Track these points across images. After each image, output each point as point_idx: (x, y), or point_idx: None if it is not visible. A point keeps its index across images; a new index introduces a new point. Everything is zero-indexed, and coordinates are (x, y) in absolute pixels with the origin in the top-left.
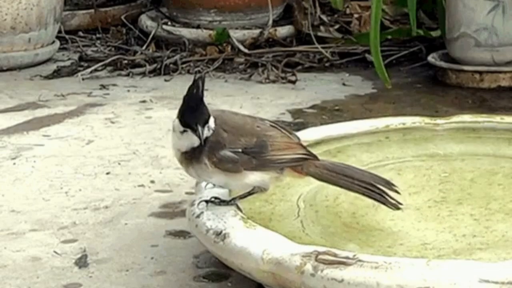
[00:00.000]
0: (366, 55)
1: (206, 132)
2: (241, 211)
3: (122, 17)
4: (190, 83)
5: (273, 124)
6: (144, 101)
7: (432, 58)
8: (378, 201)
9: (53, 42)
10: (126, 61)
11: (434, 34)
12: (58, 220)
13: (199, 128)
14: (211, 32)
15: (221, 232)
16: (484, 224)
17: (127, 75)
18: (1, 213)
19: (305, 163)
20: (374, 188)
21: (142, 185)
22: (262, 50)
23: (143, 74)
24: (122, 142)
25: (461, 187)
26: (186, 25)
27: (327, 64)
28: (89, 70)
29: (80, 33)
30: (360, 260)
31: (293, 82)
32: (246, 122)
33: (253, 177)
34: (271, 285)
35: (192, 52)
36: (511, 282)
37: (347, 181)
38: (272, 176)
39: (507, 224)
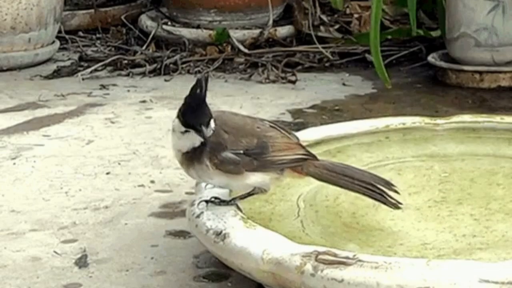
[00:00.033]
0: (366, 55)
1: (209, 133)
2: (241, 211)
3: (122, 17)
4: (193, 83)
5: (273, 125)
6: (144, 101)
7: (432, 58)
8: (379, 200)
9: (53, 42)
10: (126, 61)
11: (434, 34)
12: (58, 220)
13: (203, 128)
14: (211, 32)
15: (221, 232)
16: (484, 224)
17: (127, 75)
18: (1, 213)
19: (304, 163)
20: (374, 188)
21: (142, 185)
22: (262, 50)
23: (143, 74)
24: (122, 142)
25: (461, 187)
26: (186, 25)
27: (327, 64)
28: (89, 70)
29: (80, 33)
30: (360, 260)
31: (293, 82)
32: (246, 123)
33: (254, 178)
34: (271, 285)
35: (192, 52)
36: (511, 282)
37: (347, 181)
38: (272, 176)
39: (507, 224)
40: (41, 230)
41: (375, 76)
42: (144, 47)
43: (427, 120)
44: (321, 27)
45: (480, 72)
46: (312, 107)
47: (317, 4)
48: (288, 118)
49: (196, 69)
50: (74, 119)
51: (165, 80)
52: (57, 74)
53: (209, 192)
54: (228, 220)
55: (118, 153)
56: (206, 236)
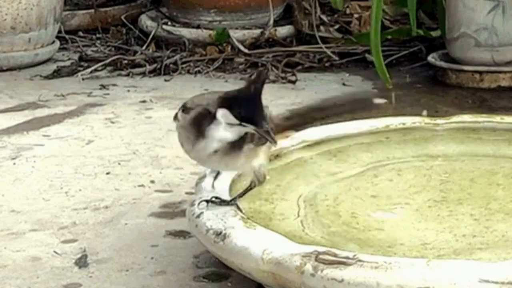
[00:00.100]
0: (366, 55)
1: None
2: (241, 211)
3: (122, 17)
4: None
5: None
6: (144, 101)
7: (432, 58)
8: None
9: (53, 42)
10: (126, 61)
11: (434, 34)
12: (58, 220)
13: (268, 127)
14: (211, 32)
15: (221, 232)
16: (484, 224)
17: (127, 75)
18: (1, 213)
19: None
20: None
21: (142, 185)
22: (262, 50)
23: (143, 74)
24: (122, 142)
25: (461, 187)
26: (186, 25)
27: (327, 64)
28: (89, 70)
29: (80, 33)
30: (360, 260)
31: (293, 82)
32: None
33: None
34: (271, 285)
35: (192, 52)
36: (511, 282)
37: None
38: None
39: (507, 224)
40: (41, 230)
41: (375, 76)
42: (144, 47)
43: (427, 120)
44: (321, 27)
45: (480, 72)
46: None
47: (317, 4)
48: None
49: (196, 69)
50: (74, 119)
51: (165, 80)
52: (57, 74)
53: (210, 192)
54: (228, 220)
55: (118, 153)
56: (206, 236)
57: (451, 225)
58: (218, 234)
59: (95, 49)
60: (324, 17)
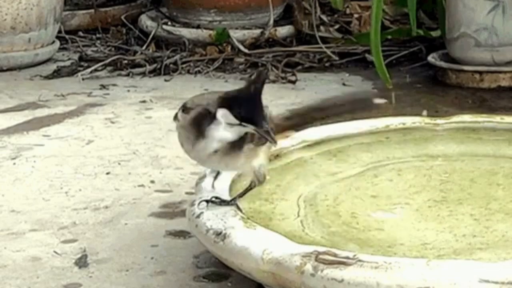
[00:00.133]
0: (366, 55)
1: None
2: (241, 211)
3: (122, 17)
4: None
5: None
6: (144, 101)
7: (432, 58)
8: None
9: (53, 42)
10: (126, 61)
11: (434, 34)
12: (58, 220)
13: (268, 127)
14: (211, 32)
15: (221, 232)
16: (484, 224)
17: (127, 75)
18: (1, 213)
19: None
20: None
21: (142, 185)
22: (262, 50)
23: (143, 74)
24: (122, 142)
25: (461, 187)
26: (186, 25)
27: (327, 64)
28: (89, 70)
29: (80, 33)
30: (360, 260)
31: (293, 82)
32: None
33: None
34: (271, 285)
35: (192, 52)
36: (511, 282)
37: None
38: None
39: (507, 224)
40: (41, 230)
41: (375, 76)
42: (144, 47)
43: (427, 120)
44: (321, 27)
45: (480, 72)
46: None
47: (317, 4)
48: None
49: (196, 69)
50: (74, 119)
51: (165, 80)
52: (57, 74)
53: (210, 192)
54: (228, 220)
55: (118, 153)
56: (206, 236)
57: (451, 225)
58: (218, 234)
59: (95, 49)
60: (324, 17)
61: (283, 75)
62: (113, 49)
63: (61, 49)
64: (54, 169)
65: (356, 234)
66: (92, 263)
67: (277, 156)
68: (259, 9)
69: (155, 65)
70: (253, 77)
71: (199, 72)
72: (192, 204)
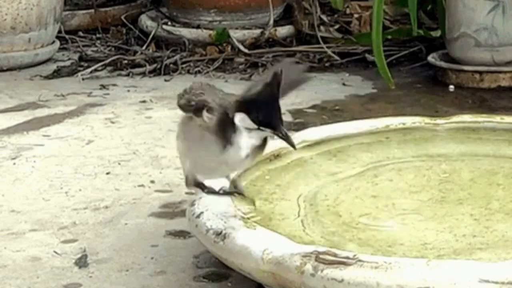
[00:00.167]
0: (366, 55)
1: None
2: (241, 211)
3: (122, 17)
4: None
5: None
6: (144, 101)
7: (432, 58)
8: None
9: (53, 42)
10: (126, 61)
11: (434, 34)
12: (58, 220)
13: (286, 132)
14: (211, 32)
15: (221, 232)
16: (484, 224)
17: (127, 75)
18: (1, 213)
19: None
20: None
21: (142, 185)
22: (262, 50)
23: (143, 74)
24: (122, 142)
25: (461, 187)
26: (186, 25)
27: (327, 64)
28: (89, 70)
29: (80, 33)
30: (360, 260)
31: None
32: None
33: None
34: (271, 285)
35: (192, 52)
36: (511, 282)
37: None
38: None
39: (507, 224)
40: (41, 230)
41: (375, 76)
42: (144, 47)
43: (427, 120)
44: (321, 27)
45: (480, 72)
46: (312, 107)
47: (317, 4)
48: (288, 118)
49: (196, 69)
50: (74, 119)
51: (165, 80)
52: (57, 74)
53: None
54: (228, 220)
55: (118, 153)
56: (206, 236)
57: (451, 225)
58: (218, 234)
59: (95, 49)
60: (324, 17)
61: None
62: (113, 49)
63: (61, 49)
64: (54, 169)
65: (356, 234)
66: (92, 263)
67: (277, 156)
68: (259, 9)
69: (155, 65)
70: (268, 79)
71: (199, 72)
72: (192, 204)
